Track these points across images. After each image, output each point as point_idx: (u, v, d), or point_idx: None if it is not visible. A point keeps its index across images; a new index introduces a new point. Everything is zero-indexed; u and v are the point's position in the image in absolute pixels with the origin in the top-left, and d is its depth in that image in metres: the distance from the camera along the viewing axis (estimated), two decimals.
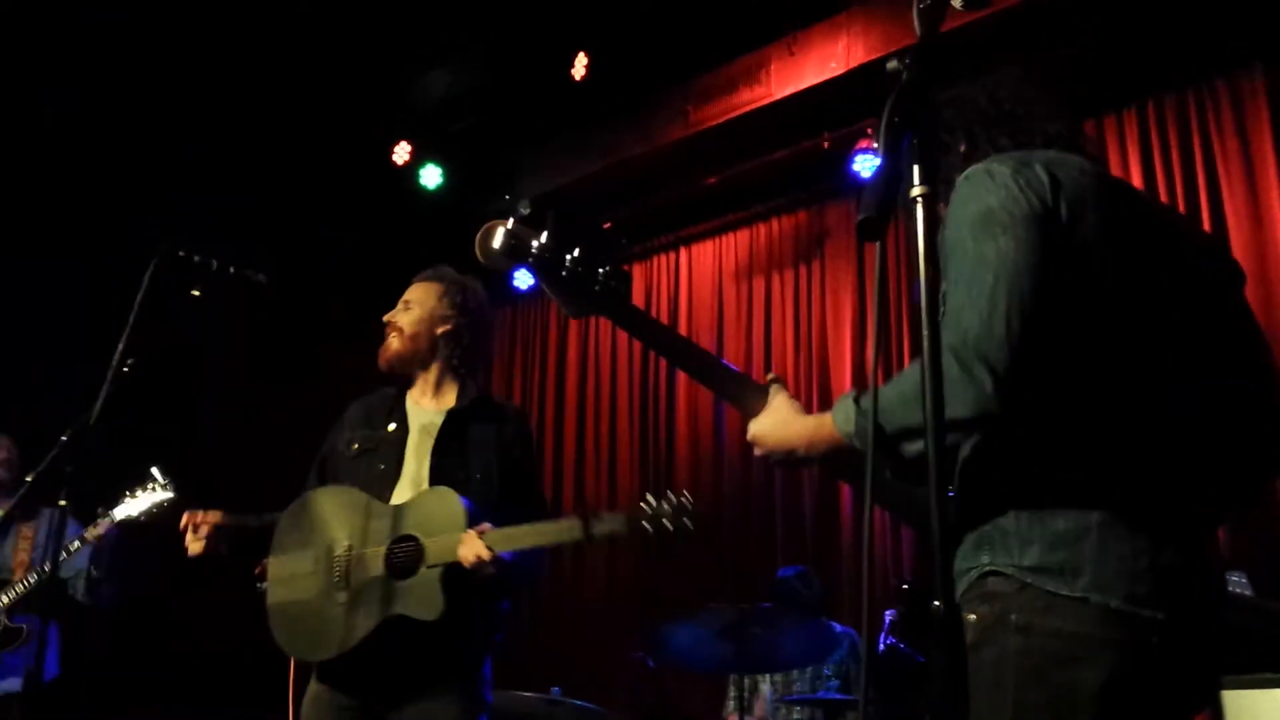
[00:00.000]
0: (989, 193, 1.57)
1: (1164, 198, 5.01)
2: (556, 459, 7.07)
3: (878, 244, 1.27)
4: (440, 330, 3.04)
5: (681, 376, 6.57)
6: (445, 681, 2.72)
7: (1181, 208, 4.96)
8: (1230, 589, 3.07)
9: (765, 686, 4.92)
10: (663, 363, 6.70)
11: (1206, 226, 4.86)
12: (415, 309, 3.07)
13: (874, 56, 5.26)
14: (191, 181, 6.08)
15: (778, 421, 1.79)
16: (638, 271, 7.01)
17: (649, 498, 2.56)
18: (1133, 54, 5.01)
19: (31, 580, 4.08)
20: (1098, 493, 1.51)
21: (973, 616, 1.54)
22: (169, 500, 3.66)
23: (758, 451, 1.82)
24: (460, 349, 3.06)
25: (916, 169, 1.27)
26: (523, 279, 7.16)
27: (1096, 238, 1.57)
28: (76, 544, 3.96)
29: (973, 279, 1.51)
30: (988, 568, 1.55)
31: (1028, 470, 1.55)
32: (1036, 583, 1.49)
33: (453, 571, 2.63)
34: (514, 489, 2.91)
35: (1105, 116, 5.25)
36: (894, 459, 1.54)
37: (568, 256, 1.80)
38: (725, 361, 1.94)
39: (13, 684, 4.15)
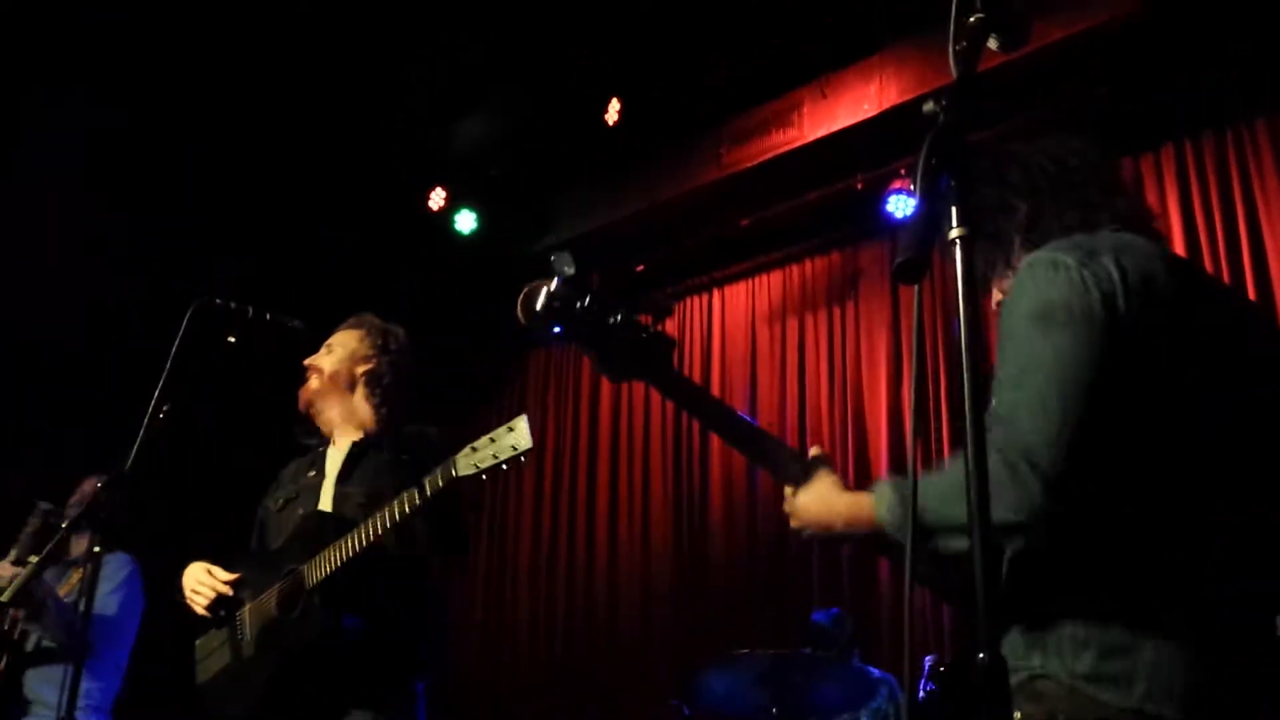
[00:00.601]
0: (1052, 286, 1.52)
1: (1203, 237, 4.96)
2: (590, 503, 7.04)
3: (915, 288, 1.25)
4: (361, 370, 3.08)
5: None
6: (364, 709, 2.63)
7: (1221, 248, 4.90)
8: None
9: None
10: None
11: (1247, 266, 4.79)
12: (337, 350, 3.11)
13: (907, 98, 5.25)
14: (226, 229, 6.15)
15: (818, 498, 1.76)
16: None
17: (474, 444, 2.45)
18: (1170, 92, 4.97)
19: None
20: (1152, 600, 1.47)
21: (1018, 715, 1.48)
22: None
23: (793, 524, 1.79)
24: (381, 388, 3.08)
25: (954, 211, 1.25)
26: None
27: (1161, 331, 1.53)
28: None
29: (1025, 376, 1.48)
30: (1039, 671, 1.50)
31: (1080, 572, 1.51)
32: (1090, 692, 1.44)
33: (329, 587, 2.58)
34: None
35: (1142, 155, 5.21)
36: (934, 551, 1.51)
37: (610, 320, 1.77)
38: (764, 429, 1.90)
39: None
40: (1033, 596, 1.53)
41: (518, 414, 7.69)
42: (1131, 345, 1.50)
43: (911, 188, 5.59)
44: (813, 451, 1.84)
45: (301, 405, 3.08)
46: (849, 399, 6.04)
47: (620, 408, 7.10)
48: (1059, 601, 1.51)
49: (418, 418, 3.11)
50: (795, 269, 6.54)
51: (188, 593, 2.80)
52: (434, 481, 2.45)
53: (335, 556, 2.59)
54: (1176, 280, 1.58)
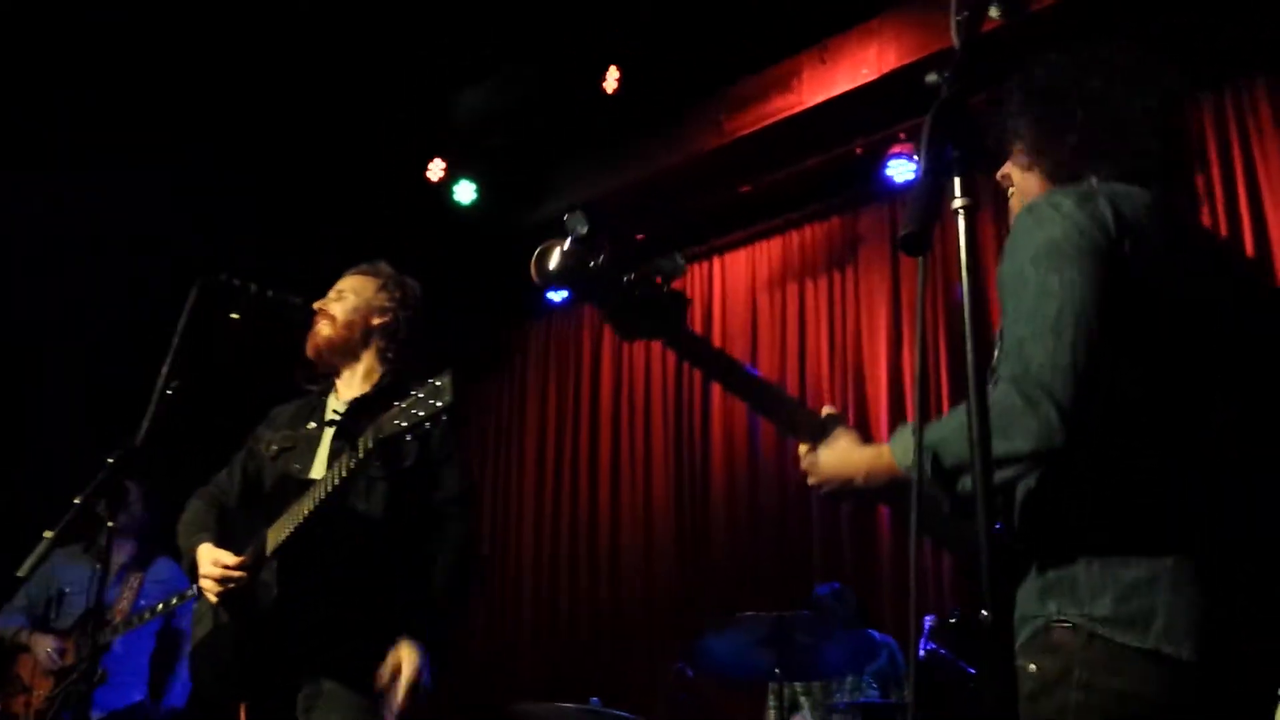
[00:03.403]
0: (1054, 225, 1.55)
1: (1201, 198, 4.94)
2: (592, 471, 7.08)
3: (920, 259, 1.27)
4: (377, 322, 2.93)
5: (717, 389, 6.56)
6: (339, 683, 2.55)
7: (1220, 208, 4.89)
8: None
9: (803, 700, 4.90)
10: (698, 375, 6.68)
11: (1245, 227, 4.80)
12: (350, 298, 2.95)
13: (906, 62, 5.23)
14: (226, 199, 6.14)
15: (837, 452, 1.77)
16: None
17: (401, 403, 2.34)
18: (1166, 53, 4.94)
19: (114, 632, 4.20)
20: (1167, 537, 1.48)
21: (1033, 667, 1.51)
22: None
23: (811, 482, 1.80)
24: (395, 344, 2.93)
25: (958, 181, 1.28)
26: (556, 293, 7.18)
27: (1159, 273, 1.55)
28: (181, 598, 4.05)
29: (1036, 311, 1.49)
30: (1055, 618, 1.52)
31: (1094, 513, 1.52)
32: (1107, 634, 1.46)
33: (286, 553, 2.53)
34: None
35: None
36: (951, 493, 1.52)
37: (624, 279, 1.76)
38: (779, 388, 1.92)
39: (112, 698, 4.37)
40: (1046, 541, 1.55)
41: (520, 385, 7.67)
42: (1132, 282, 1.53)
43: (915, 154, 5.60)
44: (826, 410, 1.85)
45: (310, 352, 2.92)
46: (849, 365, 6.06)
47: (621, 375, 7.12)
48: (1073, 545, 1.52)
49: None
50: (795, 235, 6.54)
51: (201, 580, 2.69)
52: (364, 443, 2.38)
53: (289, 522, 2.53)
54: (1168, 227, 1.61)
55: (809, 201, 6.39)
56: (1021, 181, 1.79)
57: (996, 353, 1.59)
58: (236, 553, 2.66)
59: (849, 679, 4.78)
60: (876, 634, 4.49)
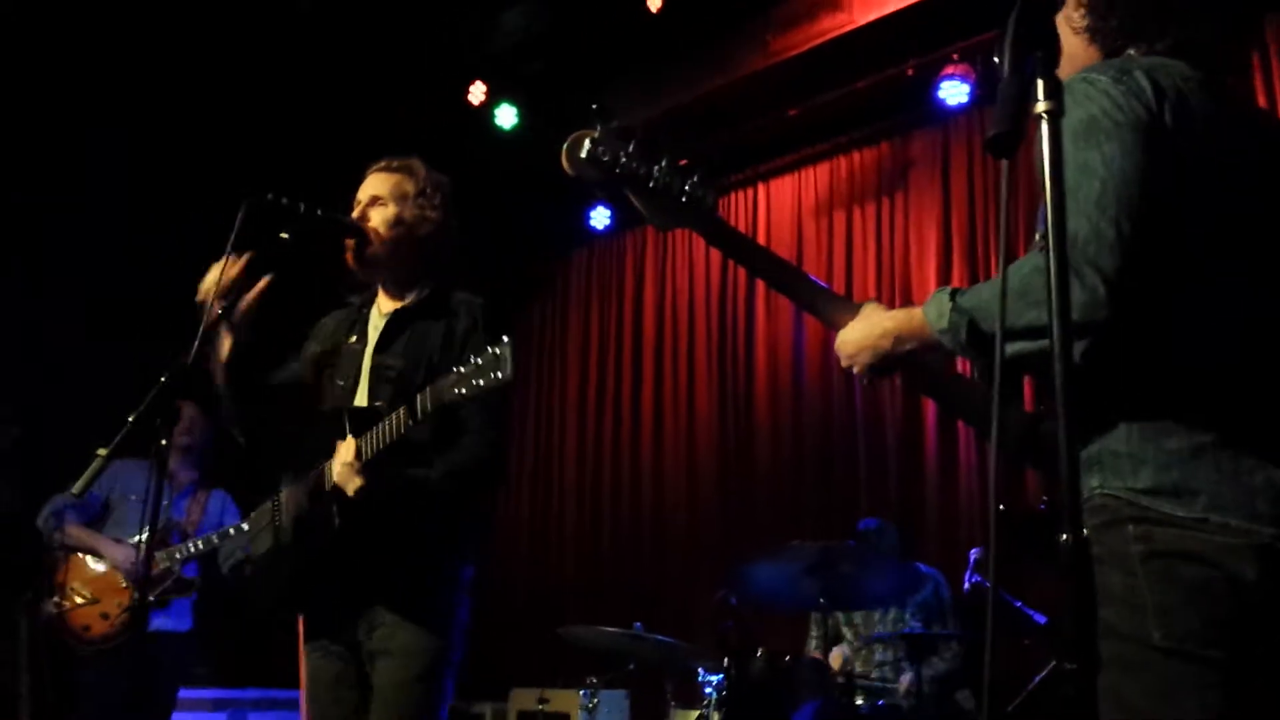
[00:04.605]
0: (1091, 101, 1.52)
1: (1254, 70, 4.76)
2: (635, 400, 7.08)
3: (1005, 162, 1.23)
4: (422, 233, 2.77)
5: (760, 317, 6.52)
6: (396, 610, 2.54)
7: (1276, 81, 4.71)
8: None
9: (845, 632, 4.90)
10: (741, 303, 6.64)
11: None
12: (391, 206, 2.76)
13: None
14: (268, 128, 6.12)
15: (863, 321, 1.74)
16: None
17: (461, 368, 2.29)
18: None
19: (199, 546, 4.33)
20: (1209, 408, 1.47)
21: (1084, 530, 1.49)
22: None
23: (843, 362, 1.77)
24: (439, 251, 2.79)
25: (1040, 84, 1.23)
26: (599, 218, 7.12)
27: (1200, 145, 1.52)
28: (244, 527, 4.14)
29: (1077, 188, 1.46)
30: (1098, 491, 1.50)
31: (1136, 385, 1.50)
32: (1150, 503, 1.45)
33: (342, 492, 2.50)
34: None
35: None
36: (988, 361, 1.50)
37: (655, 167, 1.77)
38: (810, 275, 1.88)
39: (165, 623, 4.48)
40: (1088, 415, 1.53)
41: (563, 312, 7.64)
42: (1172, 153, 1.50)
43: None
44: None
45: (351, 264, 2.77)
46: (897, 295, 5.96)
47: (664, 303, 7.08)
48: (1115, 418, 1.51)
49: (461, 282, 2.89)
50: (843, 160, 6.41)
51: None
52: (423, 403, 2.36)
53: None
54: (1211, 99, 1.56)
55: (858, 125, 6.25)
56: (1068, 42, 1.71)
57: (1037, 235, 1.57)
58: (293, 476, 2.68)
59: (892, 611, 4.79)
60: (923, 566, 4.48)
